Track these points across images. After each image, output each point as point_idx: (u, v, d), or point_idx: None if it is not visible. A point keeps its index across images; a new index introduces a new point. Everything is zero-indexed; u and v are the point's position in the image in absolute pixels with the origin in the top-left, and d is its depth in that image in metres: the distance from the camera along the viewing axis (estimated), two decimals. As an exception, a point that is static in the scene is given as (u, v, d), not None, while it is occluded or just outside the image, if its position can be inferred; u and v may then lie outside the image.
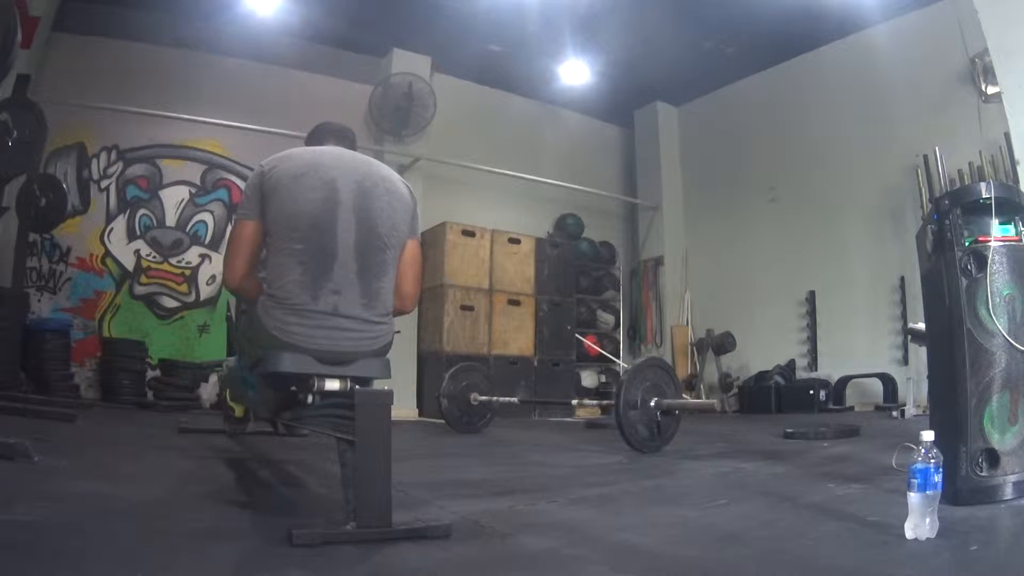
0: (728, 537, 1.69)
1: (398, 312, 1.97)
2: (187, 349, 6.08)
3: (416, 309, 6.70)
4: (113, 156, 6.03)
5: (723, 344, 7.34)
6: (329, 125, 2.15)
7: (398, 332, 1.99)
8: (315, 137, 2.13)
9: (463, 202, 7.17)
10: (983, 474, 1.87)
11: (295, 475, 2.65)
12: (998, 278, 1.94)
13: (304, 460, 2.98)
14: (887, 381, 5.83)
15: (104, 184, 5.99)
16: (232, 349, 4.22)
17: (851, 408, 6.14)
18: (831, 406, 6.09)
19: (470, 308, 6.55)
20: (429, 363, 6.45)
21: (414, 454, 3.51)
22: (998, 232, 1.98)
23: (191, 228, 6.25)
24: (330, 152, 1.95)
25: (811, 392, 6.17)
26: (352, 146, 2.09)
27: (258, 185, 1.84)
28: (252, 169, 1.94)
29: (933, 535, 1.52)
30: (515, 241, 7.00)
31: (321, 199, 1.79)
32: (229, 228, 6.25)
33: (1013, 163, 3.82)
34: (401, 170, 6.75)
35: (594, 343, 6.89)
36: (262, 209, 1.83)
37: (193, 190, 6.28)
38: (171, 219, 6.20)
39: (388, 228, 1.87)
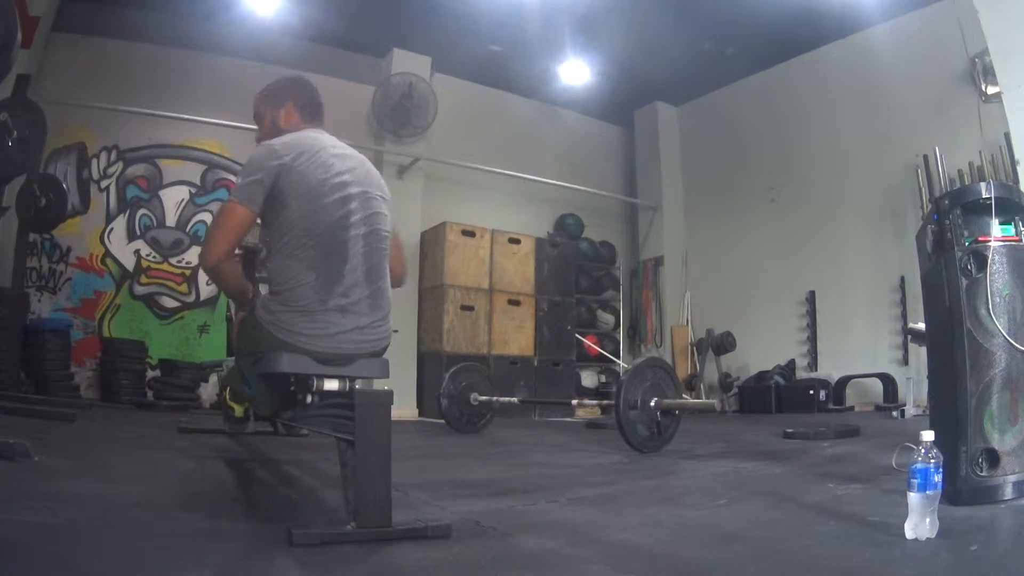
0: (728, 537, 1.69)
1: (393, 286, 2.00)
2: (187, 349, 6.08)
3: (416, 309, 6.74)
4: (113, 156, 6.03)
5: (723, 344, 7.34)
6: (309, 96, 2.08)
7: (395, 331, 1.99)
8: (297, 111, 2.05)
9: (463, 202, 7.17)
10: (983, 474, 1.87)
11: (295, 475, 2.65)
12: (998, 278, 1.94)
13: (304, 460, 2.98)
14: (887, 381, 5.84)
15: (104, 184, 5.99)
16: (232, 348, 4.22)
17: (851, 408, 6.13)
18: (831, 406, 6.09)
19: (470, 308, 6.55)
20: (429, 363, 6.45)
21: (414, 454, 3.51)
22: (998, 232, 1.98)
23: (191, 228, 6.25)
24: (338, 151, 1.92)
25: (811, 392, 6.16)
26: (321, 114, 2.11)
27: (274, 175, 1.76)
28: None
29: (933, 535, 1.52)
30: (515, 241, 7.00)
31: (336, 205, 1.80)
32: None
33: (1013, 163, 3.81)
34: (401, 170, 6.76)
35: (594, 343, 6.89)
36: (268, 204, 1.77)
37: (193, 190, 6.28)
38: (171, 219, 6.20)
39: (384, 231, 1.92)
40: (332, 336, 1.76)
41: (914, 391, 5.22)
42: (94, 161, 5.95)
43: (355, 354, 1.81)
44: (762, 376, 6.85)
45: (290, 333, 1.74)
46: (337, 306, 1.76)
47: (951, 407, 1.91)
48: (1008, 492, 1.87)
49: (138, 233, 6.07)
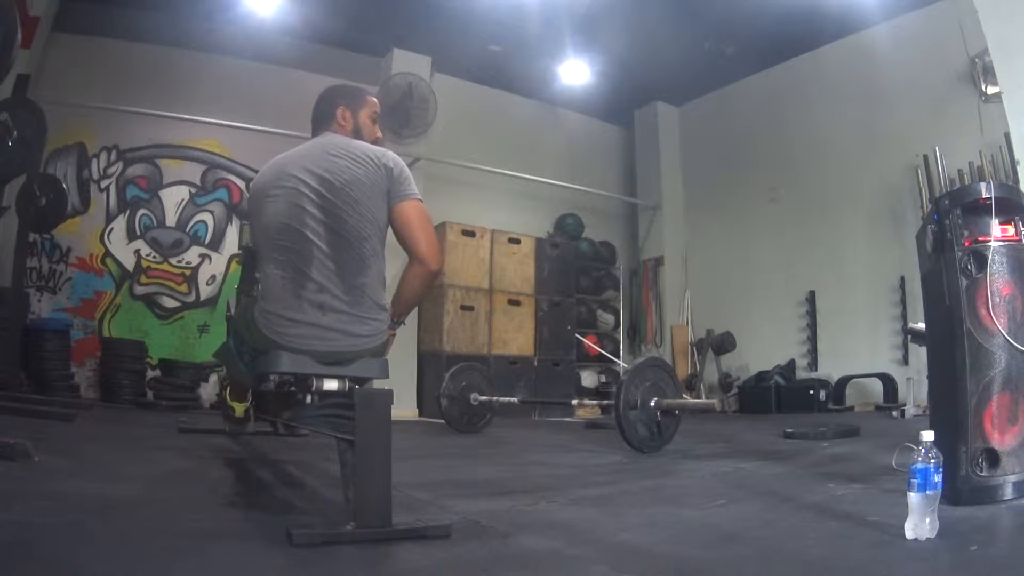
0: (728, 537, 1.69)
1: (428, 276, 1.91)
2: (187, 349, 6.08)
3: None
4: (113, 156, 6.03)
5: (723, 344, 7.33)
6: (313, 112, 2.07)
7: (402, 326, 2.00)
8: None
9: (463, 202, 7.17)
10: (983, 474, 1.87)
11: (295, 475, 2.64)
12: (998, 278, 1.94)
13: (304, 460, 2.98)
14: (887, 381, 5.83)
15: (104, 184, 5.99)
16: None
17: (851, 408, 6.13)
18: (831, 406, 6.08)
19: (470, 308, 6.55)
20: (429, 363, 6.45)
21: (414, 454, 3.51)
22: (998, 232, 1.98)
23: (191, 228, 6.25)
24: (299, 152, 1.93)
25: (811, 392, 6.16)
26: (325, 120, 2.02)
27: (248, 206, 2.02)
28: (252, 169, 1.97)
29: (933, 535, 1.52)
30: (515, 241, 6.99)
31: (285, 207, 1.82)
32: (230, 228, 6.36)
33: (1013, 163, 3.81)
34: (401, 170, 6.74)
35: (594, 343, 6.88)
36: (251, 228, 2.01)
37: (193, 190, 6.28)
38: (171, 219, 6.20)
39: (357, 219, 1.81)
40: (319, 333, 1.76)
41: (914, 391, 5.21)
42: (94, 161, 5.95)
43: (349, 352, 1.80)
44: (762, 376, 6.85)
45: (279, 334, 1.77)
46: (314, 303, 1.76)
47: (951, 407, 1.91)
48: (1008, 492, 1.87)
49: (138, 233, 6.07)
